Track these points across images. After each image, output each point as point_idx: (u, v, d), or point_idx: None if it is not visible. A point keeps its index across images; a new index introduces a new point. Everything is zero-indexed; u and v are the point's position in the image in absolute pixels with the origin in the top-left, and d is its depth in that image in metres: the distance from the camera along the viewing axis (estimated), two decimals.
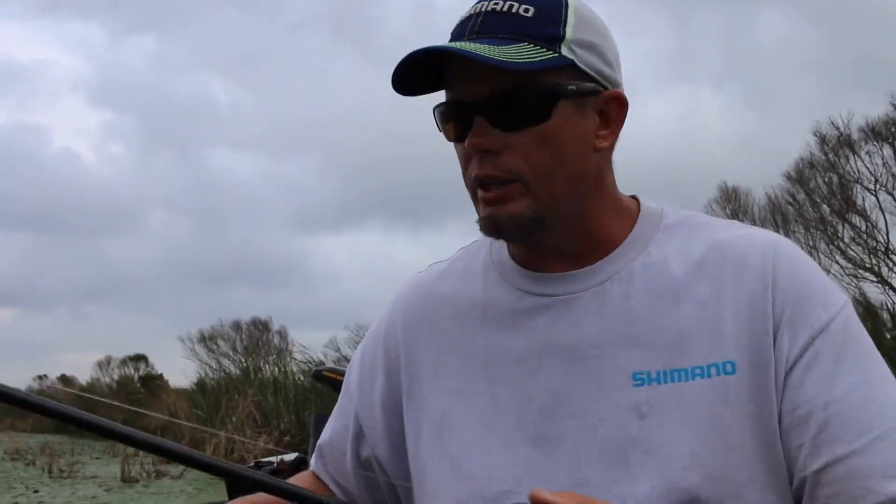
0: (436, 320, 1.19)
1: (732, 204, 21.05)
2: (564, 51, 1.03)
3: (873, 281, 17.76)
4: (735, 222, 1.12)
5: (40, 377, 50.07)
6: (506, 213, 1.04)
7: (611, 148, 1.10)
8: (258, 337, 27.95)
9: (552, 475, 1.03)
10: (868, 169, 18.13)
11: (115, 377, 40.28)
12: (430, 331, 1.18)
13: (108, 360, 41.10)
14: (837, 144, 18.23)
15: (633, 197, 1.17)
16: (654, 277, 1.07)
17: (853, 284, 17.64)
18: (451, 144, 1.11)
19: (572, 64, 1.03)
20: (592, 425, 1.03)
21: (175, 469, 17.46)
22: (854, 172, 18.33)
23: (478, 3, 1.07)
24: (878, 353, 1.03)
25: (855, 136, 18.11)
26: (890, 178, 17.88)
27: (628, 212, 1.13)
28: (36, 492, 14.49)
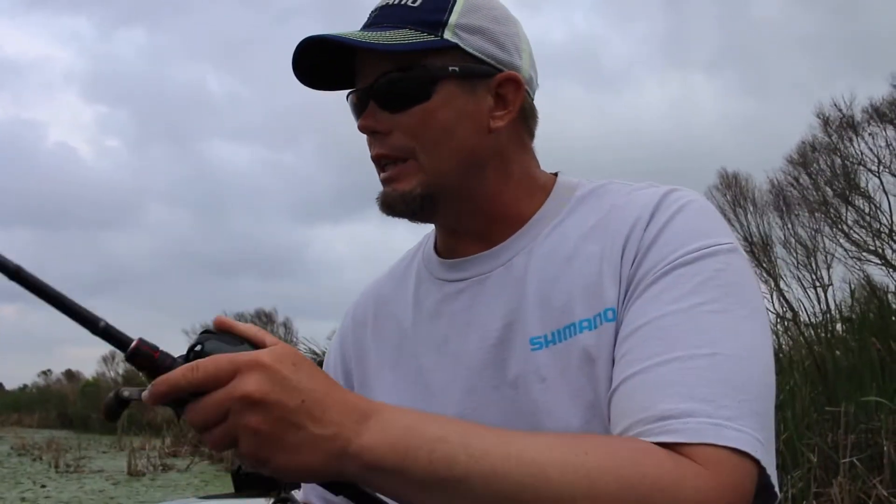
0: (379, 319, 1.25)
1: (733, 190, 21.02)
2: (447, 35, 1.08)
3: (877, 263, 17.73)
4: (644, 184, 1.13)
5: (45, 372, 50.32)
6: (396, 191, 1.10)
7: (515, 129, 1.13)
8: (262, 328, 27.99)
9: None
10: (871, 151, 18.10)
11: (121, 371, 40.35)
12: (374, 331, 1.25)
13: (114, 355, 41.21)
14: (840, 126, 18.17)
15: (556, 173, 1.20)
16: (552, 245, 1.10)
17: (857, 267, 17.62)
18: None
19: (457, 47, 1.08)
20: (509, 397, 1.07)
21: (182, 462, 17.53)
22: (857, 154, 18.29)
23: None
24: (743, 297, 0.98)
25: (858, 117, 18.06)
26: (893, 160, 17.84)
27: (542, 189, 1.16)
28: (43, 486, 14.56)
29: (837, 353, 7.20)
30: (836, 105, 18.33)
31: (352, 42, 1.05)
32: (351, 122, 1.14)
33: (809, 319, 10.13)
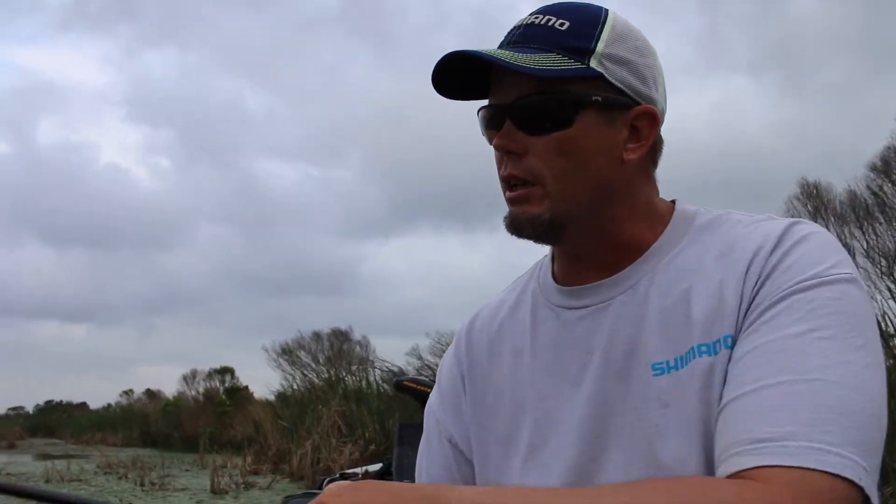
0: (494, 348, 1.26)
1: (814, 200, 20.55)
2: (594, 63, 1.08)
3: None
4: (764, 216, 1.13)
5: (127, 392, 51.41)
6: (525, 213, 1.10)
7: (643, 160, 1.14)
8: (339, 346, 28.17)
9: (599, 477, 1.08)
10: None
11: (201, 390, 41.05)
12: (489, 358, 1.26)
13: (194, 374, 41.93)
14: None
15: (673, 201, 1.20)
16: (676, 273, 1.10)
17: None
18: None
19: (601, 76, 1.08)
20: (630, 423, 1.07)
21: (263, 480, 17.74)
22: None
23: (525, 17, 1.14)
24: (857, 327, 0.97)
25: None
26: None
27: (662, 217, 1.17)
28: None
29: None
30: None
31: (506, 64, 1.05)
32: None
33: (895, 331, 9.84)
